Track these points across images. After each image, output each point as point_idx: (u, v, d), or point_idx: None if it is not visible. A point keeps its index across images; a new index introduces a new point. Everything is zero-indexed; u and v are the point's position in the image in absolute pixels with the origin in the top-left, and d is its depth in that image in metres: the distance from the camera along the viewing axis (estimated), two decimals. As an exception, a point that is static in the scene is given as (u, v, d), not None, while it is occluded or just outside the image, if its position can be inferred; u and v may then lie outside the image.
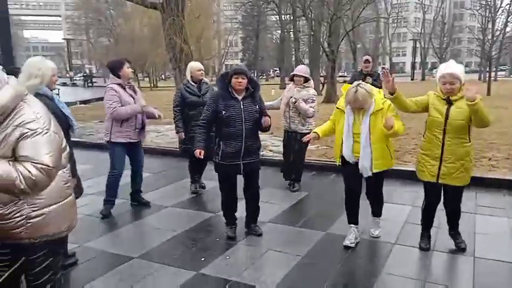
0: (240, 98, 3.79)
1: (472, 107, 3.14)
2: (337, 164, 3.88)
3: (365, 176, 3.70)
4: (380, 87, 6.97)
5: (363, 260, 3.65)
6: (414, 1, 62.80)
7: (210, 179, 5.84)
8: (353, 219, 3.93)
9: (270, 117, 3.88)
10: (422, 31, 50.81)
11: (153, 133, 9.66)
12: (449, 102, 3.36)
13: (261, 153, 4.03)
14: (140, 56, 28.55)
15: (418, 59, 49.40)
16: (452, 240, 3.79)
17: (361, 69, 7.16)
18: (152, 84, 36.96)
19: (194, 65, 5.30)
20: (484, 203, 4.96)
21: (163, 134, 9.72)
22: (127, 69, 4.46)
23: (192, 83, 5.19)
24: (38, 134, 1.89)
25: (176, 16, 9.59)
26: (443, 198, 3.69)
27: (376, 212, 4.06)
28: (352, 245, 3.80)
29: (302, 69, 5.52)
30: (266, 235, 4.11)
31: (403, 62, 72.91)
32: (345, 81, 7.37)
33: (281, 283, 3.20)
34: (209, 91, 5.21)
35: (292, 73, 5.58)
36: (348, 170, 3.79)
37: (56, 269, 2.24)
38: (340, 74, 41.90)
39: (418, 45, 47.29)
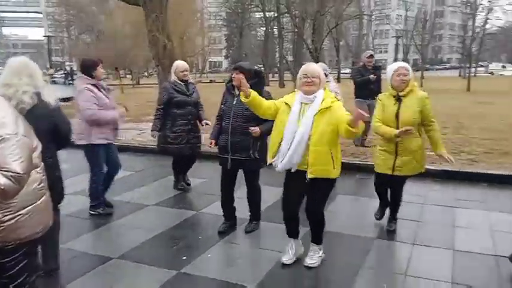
0: (236, 93, 3.80)
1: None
2: (268, 163, 3.36)
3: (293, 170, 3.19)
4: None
5: (345, 254, 3.65)
6: (396, -2, 63.40)
7: (195, 177, 5.82)
8: (292, 232, 3.47)
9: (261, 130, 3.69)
10: (405, 28, 51.34)
11: (135, 131, 9.55)
12: (399, 100, 3.70)
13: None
14: (122, 53, 28.18)
15: (400, 56, 49.89)
16: (432, 234, 3.86)
17: (364, 64, 7.46)
18: (135, 82, 36.56)
19: (180, 65, 5.16)
20: (463, 197, 5.03)
21: (145, 131, 9.60)
22: (101, 70, 4.34)
23: (180, 82, 5.13)
24: (5, 141, 1.82)
25: (159, 13, 9.47)
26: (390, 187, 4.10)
27: (315, 237, 3.42)
28: (289, 262, 3.38)
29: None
30: (254, 232, 4.09)
31: (385, 59, 73.52)
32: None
33: (264, 281, 3.19)
34: (195, 92, 5.20)
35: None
36: (291, 175, 3.27)
37: (30, 270, 2.19)
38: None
39: (400, 42, 47.76)
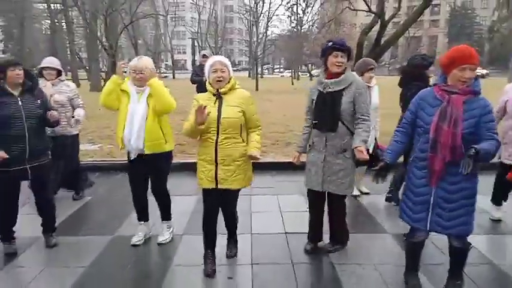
0: (17, 93, 3.36)
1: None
2: (120, 148, 3.63)
3: (145, 151, 3.47)
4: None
5: (153, 257, 3.61)
6: (189, 1, 65.85)
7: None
8: (141, 215, 3.86)
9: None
10: (199, 30, 53.89)
11: None
12: (220, 98, 3.09)
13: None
14: None
15: (197, 57, 52.26)
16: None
17: (200, 64, 7.79)
18: None
19: None
20: (257, 185, 5.58)
21: None
22: None
23: None
24: None
25: None
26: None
27: (165, 214, 3.89)
28: (139, 243, 3.76)
29: (53, 61, 4.66)
30: (43, 252, 3.65)
31: (185, 60, 75.88)
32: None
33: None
34: None
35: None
36: (134, 166, 3.64)
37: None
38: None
39: (196, 43, 49.91)
